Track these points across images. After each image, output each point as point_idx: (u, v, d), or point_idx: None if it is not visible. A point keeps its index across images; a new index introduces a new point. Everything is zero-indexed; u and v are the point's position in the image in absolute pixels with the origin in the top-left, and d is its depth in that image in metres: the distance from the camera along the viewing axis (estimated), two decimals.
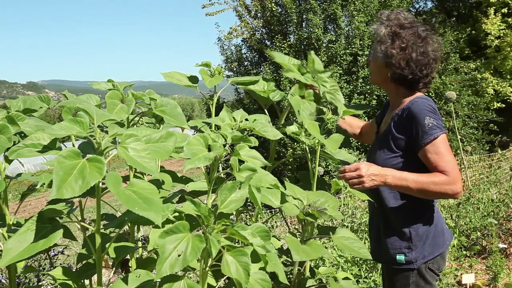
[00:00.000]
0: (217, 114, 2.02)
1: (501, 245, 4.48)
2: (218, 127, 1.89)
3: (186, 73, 2.13)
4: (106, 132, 1.41)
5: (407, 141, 1.87)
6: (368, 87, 11.81)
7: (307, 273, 2.05)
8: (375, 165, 1.85)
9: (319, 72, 2.08)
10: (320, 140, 1.90)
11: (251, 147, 1.70)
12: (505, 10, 14.01)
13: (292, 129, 1.99)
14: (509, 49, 13.92)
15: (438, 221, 1.98)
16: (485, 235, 4.73)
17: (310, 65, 2.10)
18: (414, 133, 1.83)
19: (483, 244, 4.69)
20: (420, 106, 1.84)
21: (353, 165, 1.85)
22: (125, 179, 1.64)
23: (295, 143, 10.72)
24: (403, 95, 1.96)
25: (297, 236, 1.87)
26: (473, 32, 14.57)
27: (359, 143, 11.65)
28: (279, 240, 2.14)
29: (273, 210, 6.19)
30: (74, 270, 1.78)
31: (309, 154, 2.02)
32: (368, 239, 2.33)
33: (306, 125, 1.91)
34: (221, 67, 2.11)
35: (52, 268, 2.66)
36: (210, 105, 2.12)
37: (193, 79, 2.12)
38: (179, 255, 1.25)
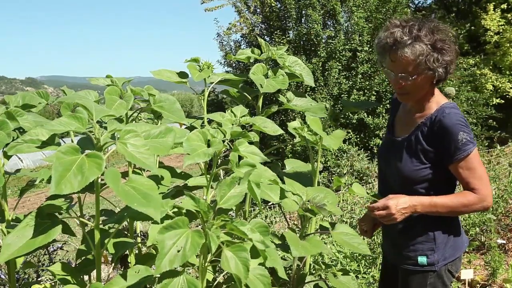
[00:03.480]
0: (214, 110, 2.03)
1: (499, 241, 4.48)
2: (218, 123, 1.89)
3: (184, 69, 2.14)
4: (105, 128, 1.41)
5: (438, 154, 1.82)
6: (367, 82, 11.80)
7: (307, 269, 2.05)
8: (403, 197, 1.79)
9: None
10: (322, 136, 1.90)
11: (250, 143, 1.70)
12: (504, 6, 13.98)
13: (294, 124, 1.99)
14: (508, 45, 13.90)
15: (458, 223, 1.98)
16: (484, 230, 4.74)
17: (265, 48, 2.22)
18: (446, 147, 1.79)
19: (482, 240, 4.70)
20: (453, 120, 1.78)
21: (381, 202, 1.79)
22: (124, 175, 1.64)
23: (294, 139, 10.71)
24: (427, 97, 1.89)
25: (296, 231, 1.88)
26: (473, 28, 14.55)
27: (358, 139, 11.66)
28: (280, 237, 2.14)
29: (272, 205, 6.20)
30: (73, 265, 1.78)
31: (310, 151, 2.02)
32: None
33: (309, 121, 1.91)
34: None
35: (51, 263, 2.66)
36: (202, 101, 2.12)
37: (183, 74, 2.13)
38: (178, 251, 1.25)
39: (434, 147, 1.82)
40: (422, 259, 1.90)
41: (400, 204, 1.77)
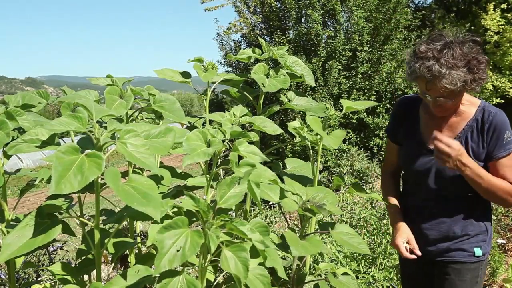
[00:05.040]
0: (214, 110, 2.04)
1: (499, 241, 4.49)
2: (218, 123, 1.89)
3: (184, 68, 2.15)
4: (105, 127, 1.41)
5: (484, 151, 1.89)
6: (367, 82, 11.81)
7: (306, 269, 2.05)
8: (466, 153, 1.81)
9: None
10: (322, 136, 1.90)
11: (250, 142, 1.70)
12: (504, 6, 13.98)
13: (293, 124, 1.99)
14: (508, 44, 13.90)
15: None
16: None
17: (266, 48, 2.22)
18: (492, 144, 1.87)
19: None
20: (503, 119, 1.89)
21: (450, 141, 1.78)
22: (124, 174, 1.64)
23: (294, 139, 10.71)
24: (462, 101, 1.93)
25: (296, 231, 1.88)
26: (472, 27, 14.54)
27: (358, 139, 11.66)
28: (280, 237, 2.14)
29: (272, 205, 6.20)
30: (73, 265, 1.78)
31: (310, 151, 2.03)
32: (369, 235, 2.31)
33: (309, 120, 1.91)
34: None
35: (51, 263, 2.66)
36: (204, 100, 2.13)
37: (186, 74, 2.13)
38: (178, 251, 1.25)
39: (482, 146, 1.89)
40: (478, 250, 2.00)
41: (460, 157, 1.78)
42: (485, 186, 1.85)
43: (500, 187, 1.86)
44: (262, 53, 2.21)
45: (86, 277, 1.83)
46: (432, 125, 1.97)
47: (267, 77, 2.10)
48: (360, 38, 11.81)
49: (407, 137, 2.08)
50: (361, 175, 10.08)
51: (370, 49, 11.95)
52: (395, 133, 2.14)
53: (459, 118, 1.93)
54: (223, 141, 1.58)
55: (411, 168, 2.05)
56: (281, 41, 11.86)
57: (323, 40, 11.95)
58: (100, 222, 1.57)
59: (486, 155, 1.89)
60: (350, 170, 10.11)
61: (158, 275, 1.33)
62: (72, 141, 1.40)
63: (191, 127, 2.01)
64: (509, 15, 13.94)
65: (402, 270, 2.33)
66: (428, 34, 1.89)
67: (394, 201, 2.14)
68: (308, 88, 11.25)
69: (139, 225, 2.13)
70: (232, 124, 1.85)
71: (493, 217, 4.74)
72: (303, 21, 12.45)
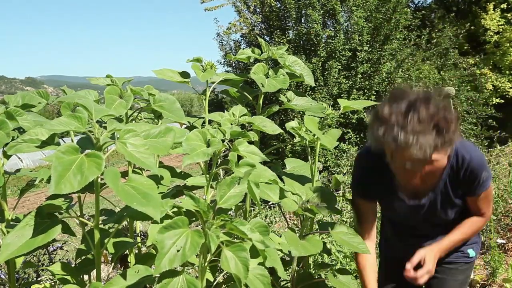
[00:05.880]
0: (214, 110, 2.04)
1: (499, 241, 4.48)
2: (217, 123, 1.89)
3: (184, 68, 2.15)
4: (105, 127, 1.41)
5: (463, 191, 1.86)
6: (367, 82, 11.80)
7: (306, 268, 2.05)
8: (431, 253, 1.85)
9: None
10: (318, 135, 1.90)
11: (250, 142, 1.70)
12: (504, 6, 13.99)
13: (291, 124, 1.99)
14: (508, 44, 13.91)
15: None
16: (484, 230, 4.73)
17: (265, 48, 2.22)
18: (471, 185, 1.83)
19: (482, 240, 4.70)
20: (478, 162, 1.81)
21: (424, 270, 1.81)
22: (124, 174, 1.64)
23: (294, 139, 10.71)
24: None
25: (296, 231, 1.88)
26: (472, 27, 14.55)
27: (358, 139, 11.66)
28: (280, 237, 2.14)
29: (271, 205, 6.20)
30: (73, 265, 1.78)
31: (309, 149, 2.03)
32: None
33: (305, 120, 1.91)
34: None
35: (51, 263, 2.66)
36: (203, 100, 2.13)
37: (185, 74, 2.13)
38: (178, 251, 1.25)
39: (461, 188, 1.85)
40: (471, 252, 2.04)
41: (434, 261, 1.85)
42: (461, 240, 1.94)
43: (471, 232, 1.95)
44: (262, 53, 2.21)
45: (86, 277, 1.83)
46: (406, 177, 1.82)
47: (267, 77, 2.10)
48: (360, 38, 11.80)
49: (384, 195, 1.96)
50: None
51: (370, 49, 11.94)
52: (367, 192, 1.96)
53: (433, 167, 1.80)
54: (223, 141, 1.58)
55: (393, 216, 2.04)
56: (281, 41, 11.85)
57: (323, 40, 11.94)
58: (100, 222, 1.57)
59: (464, 193, 1.85)
60: (350, 170, 10.11)
61: (158, 275, 1.33)
62: (72, 141, 1.40)
63: (191, 127, 2.01)
64: (509, 15, 13.95)
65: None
66: (390, 92, 1.72)
67: None
68: (308, 88, 11.24)
69: (139, 225, 2.13)
70: (232, 124, 1.85)
71: (493, 217, 4.74)
72: (303, 21, 12.44)
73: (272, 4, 12.51)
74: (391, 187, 1.89)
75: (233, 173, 1.53)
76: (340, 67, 11.71)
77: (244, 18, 13.41)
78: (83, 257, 1.76)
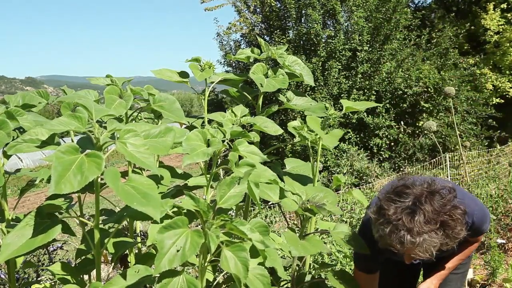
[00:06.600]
0: (214, 110, 2.04)
1: (499, 241, 4.48)
2: (218, 123, 1.89)
3: (184, 68, 2.14)
4: (105, 127, 1.41)
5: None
6: (367, 82, 11.81)
7: (306, 268, 2.05)
8: (431, 286, 2.05)
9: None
10: (321, 135, 1.90)
11: (250, 142, 1.70)
12: (504, 6, 14.00)
13: (293, 124, 1.99)
14: (508, 44, 13.91)
15: None
16: None
17: (264, 48, 2.21)
18: (470, 234, 1.82)
19: (482, 240, 4.70)
20: (481, 221, 1.90)
21: None
22: (124, 174, 1.64)
23: (294, 138, 10.71)
24: None
25: (296, 231, 1.87)
26: (472, 27, 14.57)
27: (358, 139, 11.66)
28: (280, 236, 2.14)
29: (272, 205, 6.20)
30: (73, 265, 1.78)
31: (310, 150, 2.03)
32: None
33: (308, 120, 1.91)
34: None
35: (51, 263, 2.66)
36: (202, 100, 2.13)
37: (184, 74, 2.13)
38: (178, 250, 1.25)
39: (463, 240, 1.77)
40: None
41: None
42: (458, 264, 2.09)
43: (465, 257, 2.09)
44: (261, 52, 2.21)
45: (86, 277, 1.83)
46: (410, 259, 1.77)
47: (266, 77, 2.10)
48: (360, 38, 11.81)
49: (387, 261, 1.96)
50: (361, 174, 10.09)
51: (370, 49, 11.95)
52: (374, 263, 1.95)
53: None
54: (223, 141, 1.58)
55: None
56: (281, 41, 11.86)
57: (323, 40, 11.95)
58: (100, 222, 1.57)
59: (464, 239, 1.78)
60: (350, 170, 10.12)
61: (158, 275, 1.33)
62: (72, 141, 1.40)
63: (191, 127, 2.00)
64: (509, 15, 13.95)
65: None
66: (394, 187, 1.67)
67: None
68: (308, 88, 11.25)
69: (139, 225, 2.13)
70: (233, 124, 1.85)
71: (493, 217, 4.74)
72: (303, 21, 12.45)
73: (272, 4, 12.51)
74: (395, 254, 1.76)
75: (233, 173, 1.53)
76: (340, 67, 11.72)
77: (244, 18, 13.42)
78: (83, 257, 1.76)
